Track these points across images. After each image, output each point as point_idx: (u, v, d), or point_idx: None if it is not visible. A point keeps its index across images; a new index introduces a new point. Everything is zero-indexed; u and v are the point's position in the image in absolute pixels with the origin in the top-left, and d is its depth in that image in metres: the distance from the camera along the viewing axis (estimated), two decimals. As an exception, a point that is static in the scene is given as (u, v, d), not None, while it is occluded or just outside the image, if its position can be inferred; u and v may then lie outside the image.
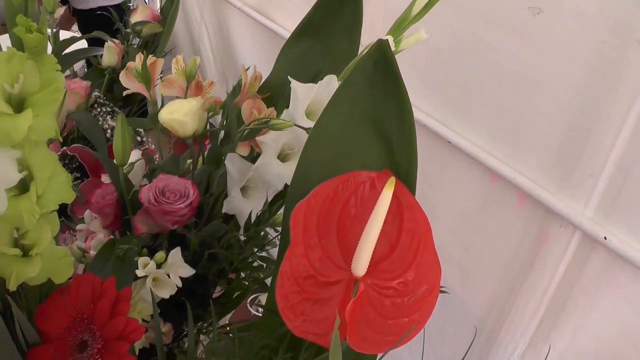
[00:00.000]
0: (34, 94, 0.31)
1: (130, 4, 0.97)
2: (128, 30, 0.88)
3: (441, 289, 0.40)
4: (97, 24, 0.95)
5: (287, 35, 1.25)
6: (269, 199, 0.51)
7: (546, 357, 0.80)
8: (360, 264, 0.38)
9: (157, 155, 0.61)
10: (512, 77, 0.81)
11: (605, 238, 0.73)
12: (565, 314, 0.86)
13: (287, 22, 1.28)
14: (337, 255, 0.39)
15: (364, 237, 0.38)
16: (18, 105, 0.31)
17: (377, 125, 0.44)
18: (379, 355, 0.38)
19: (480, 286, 0.93)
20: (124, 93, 0.53)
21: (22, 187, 0.32)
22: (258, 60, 1.15)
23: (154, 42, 0.92)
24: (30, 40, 0.29)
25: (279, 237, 0.49)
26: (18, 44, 0.32)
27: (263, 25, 1.27)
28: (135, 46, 0.93)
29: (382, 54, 0.42)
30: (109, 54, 0.79)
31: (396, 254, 0.40)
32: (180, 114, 0.46)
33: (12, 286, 0.32)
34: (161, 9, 1.01)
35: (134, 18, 0.88)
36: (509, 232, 0.88)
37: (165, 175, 0.47)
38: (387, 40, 0.41)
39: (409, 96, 0.43)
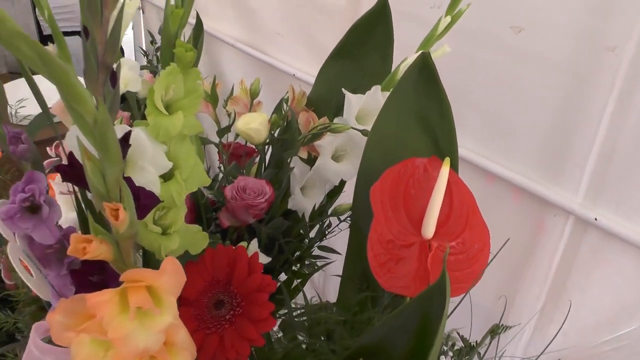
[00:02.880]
0: (180, 100, 0.40)
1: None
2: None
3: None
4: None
5: (280, 65, 1.36)
6: (326, 194, 0.60)
7: (554, 338, 0.88)
8: (429, 228, 0.47)
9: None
10: (500, 87, 0.94)
11: (595, 219, 0.84)
12: (566, 294, 0.96)
13: (280, 54, 1.39)
14: (407, 225, 0.48)
15: (430, 206, 0.47)
16: (167, 108, 0.40)
17: (423, 120, 0.54)
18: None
19: (485, 280, 1.03)
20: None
21: (166, 174, 0.40)
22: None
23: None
24: (186, 58, 0.38)
25: (349, 218, 0.58)
26: (168, 60, 0.41)
27: (256, 59, 1.39)
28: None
29: (425, 64, 0.52)
30: (144, 86, 0.87)
31: (452, 220, 0.49)
32: (255, 123, 0.55)
33: (162, 257, 0.39)
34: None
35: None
36: (507, 227, 0.98)
37: (244, 177, 0.56)
38: (429, 52, 0.52)
39: (447, 97, 0.53)
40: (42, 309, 0.57)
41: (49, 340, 0.40)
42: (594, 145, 0.82)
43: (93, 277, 0.39)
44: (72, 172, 0.34)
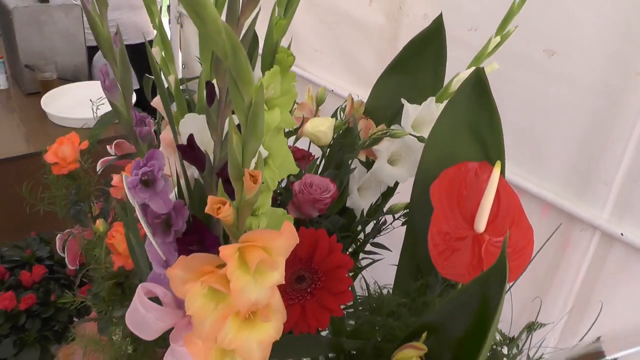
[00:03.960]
0: (277, 98, 0.45)
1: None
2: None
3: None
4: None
5: (318, 80, 1.42)
6: (380, 194, 0.66)
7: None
8: (481, 223, 0.52)
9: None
10: (532, 107, 0.99)
11: (622, 235, 0.88)
12: (590, 307, 0.99)
13: (318, 70, 1.46)
14: (461, 221, 0.53)
15: (482, 203, 0.52)
16: (265, 104, 0.45)
17: (475, 130, 0.58)
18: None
19: (511, 293, 1.07)
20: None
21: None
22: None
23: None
24: (287, 62, 0.44)
25: (403, 217, 0.63)
26: (268, 64, 0.46)
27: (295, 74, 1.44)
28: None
29: (479, 78, 0.57)
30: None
31: (500, 218, 0.54)
32: (324, 127, 0.60)
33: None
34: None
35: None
36: (535, 240, 1.02)
37: (310, 174, 0.61)
38: (482, 68, 0.57)
39: (497, 109, 0.58)
40: (118, 284, 0.62)
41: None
42: (621, 164, 0.87)
43: (192, 247, 0.44)
44: (191, 152, 0.39)
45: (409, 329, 0.46)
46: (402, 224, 0.65)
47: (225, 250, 0.32)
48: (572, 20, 0.89)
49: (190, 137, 0.38)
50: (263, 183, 0.42)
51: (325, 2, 1.40)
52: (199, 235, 0.43)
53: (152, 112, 0.59)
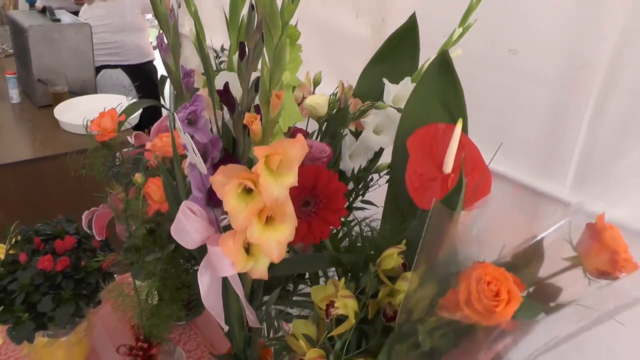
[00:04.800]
0: (287, 64, 0.59)
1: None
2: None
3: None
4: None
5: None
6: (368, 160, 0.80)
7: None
8: (449, 165, 0.66)
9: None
10: (500, 101, 1.14)
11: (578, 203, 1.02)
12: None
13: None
14: (432, 166, 0.67)
15: (449, 149, 0.66)
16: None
17: (442, 100, 0.73)
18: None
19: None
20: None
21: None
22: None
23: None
24: (294, 35, 0.58)
25: (388, 172, 0.77)
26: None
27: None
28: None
29: (444, 58, 0.72)
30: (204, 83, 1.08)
31: (465, 163, 0.68)
32: (321, 100, 0.75)
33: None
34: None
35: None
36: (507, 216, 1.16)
37: (311, 140, 0.75)
38: (447, 50, 0.72)
39: (460, 83, 0.73)
40: (151, 232, 0.75)
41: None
42: (576, 145, 1.02)
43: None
44: (226, 95, 0.53)
45: (391, 243, 0.60)
46: (386, 182, 0.78)
47: (258, 151, 0.46)
48: (530, 23, 1.05)
49: (226, 84, 0.52)
50: (278, 123, 0.56)
51: (316, 17, 1.57)
52: (229, 163, 0.57)
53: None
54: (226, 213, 0.58)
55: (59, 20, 1.76)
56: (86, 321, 0.98)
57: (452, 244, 0.48)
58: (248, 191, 0.51)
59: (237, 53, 0.52)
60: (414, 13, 0.83)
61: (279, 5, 0.50)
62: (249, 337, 0.71)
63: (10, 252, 0.94)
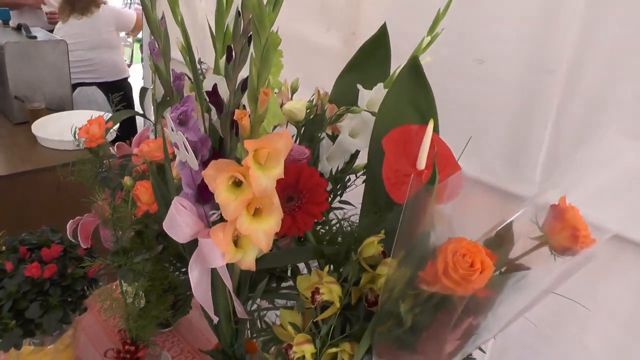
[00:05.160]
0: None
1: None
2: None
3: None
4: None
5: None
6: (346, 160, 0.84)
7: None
8: (422, 161, 0.70)
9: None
10: (469, 108, 1.20)
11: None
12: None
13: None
14: (406, 164, 0.72)
15: (422, 146, 0.71)
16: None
17: (413, 102, 0.78)
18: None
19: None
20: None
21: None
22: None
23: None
24: (276, 41, 0.63)
25: (364, 172, 0.82)
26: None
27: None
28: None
29: (414, 63, 0.77)
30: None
31: (437, 159, 0.73)
32: (299, 105, 0.79)
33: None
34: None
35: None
36: (479, 220, 1.22)
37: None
38: (417, 56, 0.78)
39: (430, 86, 0.78)
40: (138, 233, 0.78)
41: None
42: (542, 147, 1.08)
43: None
44: (214, 96, 0.57)
45: (371, 234, 0.64)
46: (363, 182, 0.83)
47: (248, 144, 0.50)
48: (495, 33, 1.12)
49: (215, 85, 0.56)
50: (262, 124, 0.60)
51: (289, 31, 1.61)
52: (217, 155, 0.61)
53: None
54: (215, 208, 0.62)
55: (35, 37, 1.77)
56: (72, 328, 0.99)
57: (428, 225, 0.53)
58: (237, 184, 0.55)
59: (224, 57, 0.56)
60: (385, 23, 0.89)
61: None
62: (236, 330, 0.74)
63: (-5, 262, 0.95)
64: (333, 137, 0.85)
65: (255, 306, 0.71)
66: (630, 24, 0.92)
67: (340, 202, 0.85)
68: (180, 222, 0.59)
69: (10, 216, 1.33)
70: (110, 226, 0.86)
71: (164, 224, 0.59)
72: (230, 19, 0.63)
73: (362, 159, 0.85)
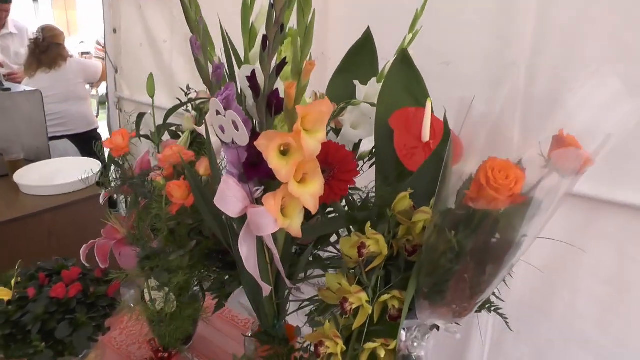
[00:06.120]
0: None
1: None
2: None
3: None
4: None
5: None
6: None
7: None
8: (426, 134, 0.78)
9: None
10: (440, 107, 1.31)
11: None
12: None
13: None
14: (411, 138, 0.80)
15: (424, 121, 0.79)
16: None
17: (407, 88, 0.87)
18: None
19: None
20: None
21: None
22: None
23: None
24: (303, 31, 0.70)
25: (370, 158, 0.89)
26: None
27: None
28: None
29: (405, 55, 0.87)
30: (188, 122, 1.15)
31: (436, 134, 0.81)
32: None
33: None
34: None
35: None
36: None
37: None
38: (406, 48, 0.87)
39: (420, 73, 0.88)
40: (171, 232, 0.81)
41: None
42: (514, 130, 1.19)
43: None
44: (253, 81, 0.63)
45: (395, 195, 0.71)
46: (369, 167, 0.90)
47: (300, 109, 0.56)
48: (459, 37, 1.24)
49: (253, 71, 0.62)
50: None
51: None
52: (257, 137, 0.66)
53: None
54: (258, 185, 0.67)
55: (8, 89, 1.77)
56: (94, 351, 0.99)
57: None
58: (283, 153, 0.61)
59: (252, 50, 0.63)
60: (369, 27, 0.98)
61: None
62: (277, 311, 0.78)
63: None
64: (336, 130, 0.92)
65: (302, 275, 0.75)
66: (575, 13, 1.06)
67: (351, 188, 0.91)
68: (230, 197, 0.63)
69: (2, 265, 1.30)
70: (132, 239, 0.88)
71: (215, 200, 0.64)
72: (253, 17, 0.69)
73: (364, 147, 0.92)
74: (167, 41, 2.17)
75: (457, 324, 0.81)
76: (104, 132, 2.71)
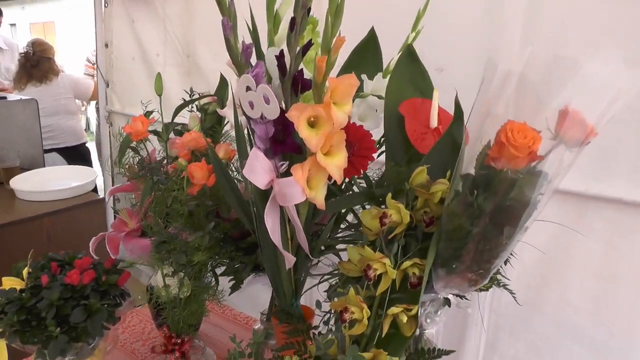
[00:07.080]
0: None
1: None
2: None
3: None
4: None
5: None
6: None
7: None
8: (434, 120, 0.83)
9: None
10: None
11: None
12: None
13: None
14: (420, 125, 0.84)
15: (432, 109, 0.83)
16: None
17: (413, 81, 0.91)
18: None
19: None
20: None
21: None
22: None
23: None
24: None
25: (381, 144, 0.92)
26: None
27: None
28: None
29: (410, 51, 0.92)
30: (193, 121, 1.18)
31: (443, 122, 0.86)
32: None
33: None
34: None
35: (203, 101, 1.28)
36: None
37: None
38: (411, 44, 0.92)
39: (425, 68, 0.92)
40: (190, 214, 0.83)
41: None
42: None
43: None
44: (281, 60, 0.67)
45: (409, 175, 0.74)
46: (378, 155, 0.93)
47: (330, 81, 0.60)
48: (451, 45, 1.30)
49: (281, 51, 0.66)
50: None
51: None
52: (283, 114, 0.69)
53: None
54: (283, 160, 0.70)
55: (4, 97, 1.77)
56: (105, 342, 0.99)
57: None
58: (311, 125, 0.64)
59: (277, 34, 0.67)
60: (373, 27, 1.03)
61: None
62: (295, 289, 0.80)
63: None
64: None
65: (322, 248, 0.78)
66: (562, 16, 1.13)
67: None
68: (258, 169, 0.66)
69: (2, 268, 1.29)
70: (146, 226, 0.90)
71: (243, 171, 0.67)
72: (277, 5, 0.73)
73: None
74: (159, 55, 2.20)
75: (466, 299, 0.85)
76: (92, 145, 2.71)
